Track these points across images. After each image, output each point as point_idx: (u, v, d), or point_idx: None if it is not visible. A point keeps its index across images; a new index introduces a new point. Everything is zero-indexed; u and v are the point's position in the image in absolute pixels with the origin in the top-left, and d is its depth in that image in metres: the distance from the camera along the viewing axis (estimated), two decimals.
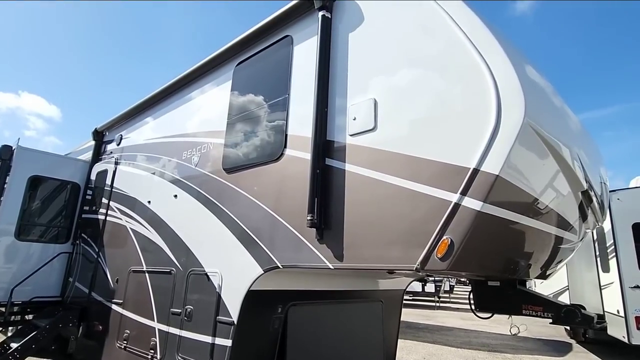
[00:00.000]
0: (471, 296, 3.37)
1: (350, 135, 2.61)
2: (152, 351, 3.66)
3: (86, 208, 5.71)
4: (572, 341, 10.56)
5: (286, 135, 3.07)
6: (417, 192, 2.16)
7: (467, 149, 2.02)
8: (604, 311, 8.31)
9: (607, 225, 7.87)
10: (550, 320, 2.67)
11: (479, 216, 1.93)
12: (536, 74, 2.39)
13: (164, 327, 3.62)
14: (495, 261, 2.16)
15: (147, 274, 4.09)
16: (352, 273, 3.82)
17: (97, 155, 5.89)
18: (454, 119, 2.16)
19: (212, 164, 3.74)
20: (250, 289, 2.95)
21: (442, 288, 21.27)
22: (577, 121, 2.84)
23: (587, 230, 2.84)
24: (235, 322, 2.94)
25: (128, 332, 4.09)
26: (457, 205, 1.98)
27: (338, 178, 2.58)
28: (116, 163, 5.26)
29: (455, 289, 29.24)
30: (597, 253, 8.60)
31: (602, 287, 8.37)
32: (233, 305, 3.02)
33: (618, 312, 7.42)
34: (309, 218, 2.55)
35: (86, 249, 5.35)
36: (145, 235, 4.29)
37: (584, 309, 2.56)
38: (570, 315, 2.56)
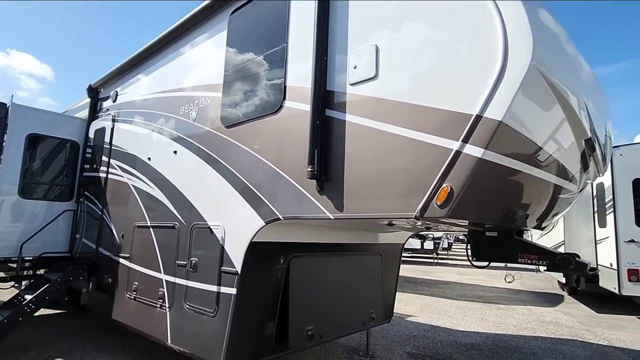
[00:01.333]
0: (469, 246, 3.44)
1: (351, 85, 2.53)
2: (160, 300, 3.82)
3: (87, 166, 5.72)
4: (564, 293, 10.99)
5: (285, 86, 2.99)
6: (418, 141, 2.13)
7: (471, 95, 1.96)
8: (597, 264, 8.56)
9: (607, 181, 7.90)
10: (545, 268, 2.75)
11: (480, 164, 1.92)
12: (550, 18, 2.27)
13: (171, 279, 3.76)
14: (494, 209, 2.17)
15: (151, 229, 4.17)
16: (352, 226, 3.88)
17: (94, 113, 5.80)
18: (458, 64, 2.08)
19: (211, 118, 3.68)
20: (253, 240, 3.01)
21: (441, 245, 21.84)
22: (589, 71, 2.74)
23: (587, 181, 2.83)
24: (239, 272, 3.03)
25: (137, 284, 4.25)
26: (458, 153, 1.96)
27: (338, 129, 2.55)
28: (113, 120, 5.19)
29: (453, 246, 30.03)
30: (595, 209, 8.71)
31: (597, 242, 8.56)
32: (236, 256, 3.10)
33: (611, 265, 7.65)
34: (309, 170, 2.55)
35: (90, 207, 5.43)
36: (147, 191, 4.32)
37: (579, 257, 2.62)
38: (564, 263, 2.63)
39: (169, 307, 3.72)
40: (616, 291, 7.48)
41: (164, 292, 3.81)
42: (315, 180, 2.58)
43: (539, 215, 2.70)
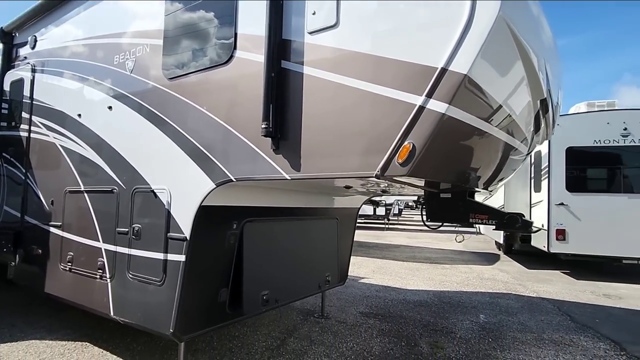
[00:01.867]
0: (423, 207, 3.50)
1: (309, 33, 2.32)
2: (100, 271, 3.52)
3: (3, 124, 4.97)
4: (500, 253, 12.02)
5: (235, 34, 2.69)
6: (380, 96, 2.01)
7: (437, 47, 1.86)
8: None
9: (544, 149, 8.49)
10: (494, 227, 2.85)
11: (443, 120, 1.85)
12: None
13: (111, 247, 3.44)
14: (453, 169, 2.15)
15: (86, 194, 3.75)
16: (309, 188, 3.77)
17: (9, 62, 4.98)
18: (424, 14, 1.94)
19: (150, 69, 3.28)
20: (203, 204, 2.79)
21: (392, 211, 22.79)
22: (550, 35, 2.74)
23: (536, 144, 2.94)
24: (188, 238, 2.82)
25: (72, 254, 3.86)
26: (421, 109, 1.87)
27: (295, 82, 2.34)
28: (33, 70, 4.49)
29: (403, 212, 31.52)
30: (532, 175, 9.40)
31: (532, 205, 9.32)
32: (184, 221, 2.87)
33: (543, 226, 8.39)
34: (263, 126, 2.34)
35: (11, 170, 4.78)
36: (79, 152, 3.85)
37: (524, 216, 2.74)
38: (511, 221, 2.74)
39: (110, 278, 3.43)
40: (545, 249, 8.28)
41: (103, 262, 3.50)
42: (270, 139, 2.39)
43: (491, 175, 2.76)
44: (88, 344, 4.00)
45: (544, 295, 6.58)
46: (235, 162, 2.61)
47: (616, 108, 8.76)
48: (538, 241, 8.84)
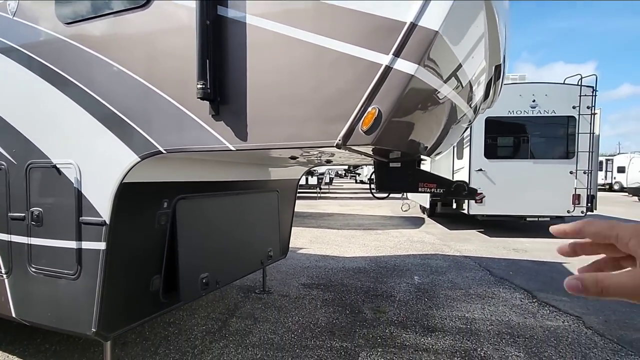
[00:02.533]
0: (372, 177, 3.42)
1: None
2: None
3: None
4: (425, 216, 12.96)
5: None
6: (341, 54, 1.76)
7: None
8: None
9: None
10: (441, 195, 2.87)
11: (411, 82, 1.68)
12: None
13: (4, 236, 2.79)
14: (413, 136, 2.03)
15: None
16: (248, 161, 3.45)
17: None
18: None
19: (40, 11, 2.57)
20: (125, 181, 2.33)
21: (324, 180, 23.15)
22: None
23: (482, 111, 2.98)
24: (108, 222, 2.36)
25: None
26: (388, 69, 1.67)
27: (236, 33, 1.97)
28: None
29: (334, 181, 32.32)
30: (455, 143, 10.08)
31: (454, 171, 10.05)
32: (101, 202, 2.38)
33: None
34: (199, 86, 1.95)
35: None
36: None
37: (468, 184, 2.79)
38: (458, 189, 2.78)
39: (6, 274, 2.80)
40: (465, 212, 9.06)
41: None
42: (208, 102, 2.01)
43: (440, 142, 2.73)
44: None
45: (466, 254, 7.23)
46: (164, 131, 2.18)
47: (526, 81, 9.64)
48: (459, 205, 9.64)
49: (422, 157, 2.89)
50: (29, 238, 2.66)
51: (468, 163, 8.87)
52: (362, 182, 36.99)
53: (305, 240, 8.38)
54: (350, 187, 31.39)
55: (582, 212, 8.60)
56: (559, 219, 9.05)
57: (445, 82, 1.91)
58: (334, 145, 1.76)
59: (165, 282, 2.92)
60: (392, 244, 8.22)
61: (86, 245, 2.44)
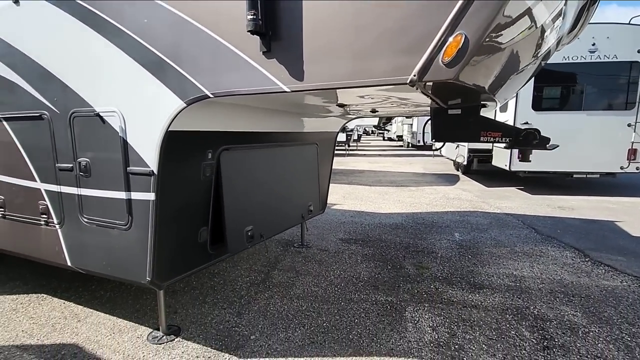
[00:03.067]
0: (425, 126, 3.16)
1: None
2: (44, 216, 2.90)
3: None
4: (459, 173, 12.53)
5: None
6: None
7: None
8: (493, 146, 9.62)
9: None
10: (505, 145, 2.60)
11: (504, 6, 1.38)
12: None
13: (54, 187, 2.80)
14: (497, 70, 1.75)
15: (5, 123, 2.94)
16: (291, 109, 3.26)
17: None
18: None
19: None
20: (170, 129, 2.21)
21: (352, 137, 22.75)
22: None
23: (561, 47, 2.59)
24: (156, 172, 2.28)
25: (2, 197, 3.15)
26: None
27: None
28: None
29: (361, 138, 31.78)
30: None
31: None
32: (148, 152, 2.29)
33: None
34: (249, 17, 1.72)
35: None
36: None
37: (540, 132, 2.49)
38: (528, 138, 2.49)
39: (58, 224, 2.85)
40: (507, 168, 8.60)
41: (47, 206, 2.88)
42: (259, 37, 1.79)
43: (519, 82, 2.42)
44: (45, 295, 3.52)
45: (507, 211, 6.94)
46: (211, 73, 2.00)
47: None
48: (499, 161, 9.16)
49: (486, 102, 2.58)
50: (79, 189, 2.65)
51: (513, 116, 8.26)
52: (390, 139, 36.17)
53: (338, 197, 8.30)
54: (379, 145, 30.83)
55: (637, 168, 7.95)
56: (610, 176, 8.46)
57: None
58: (407, 82, 1.52)
59: (212, 234, 2.90)
60: (428, 200, 8.00)
61: (135, 195, 2.40)
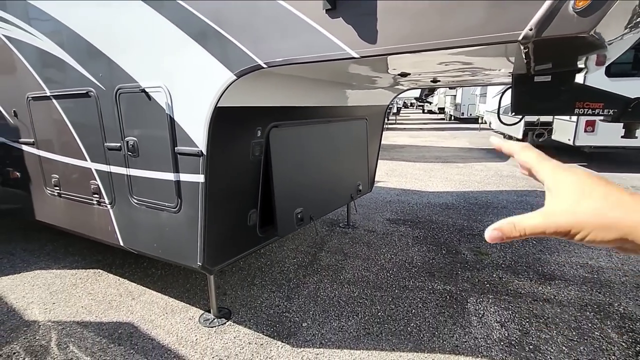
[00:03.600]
0: (502, 98, 2.77)
1: None
2: (96, 196, 2.88)
3: None
4: None
5: None
6: None
7: None
8: (553, 119, 8.75)
9: None
10: (610, 118, 2.17)
11: None
12: None
13: (104, 167, 2.75)
14: (629, 20, 1.36)
15: (54, 101, 2.89)
16: (344, 80, 2.96)
17: None
18: None
19: None
20: (219, 105, 2.01)
21: (391, 111, 21.89)
22: None
23: None
24: (205, 153, 2.11)
25: (57, 176, 3.18)
26: None
27: None
28: None
29: (401, 111, 30.65)
30: None
31: None
32: (196, 130, 2.12)
33: (570, 118, 7.76)
34: None
35: None
36: (31, 43, 2.85)
37: None
38: (638, 109, 2.05)
39: (110, 204, 2.81)
40: (570, 142, 7.80)
41: (98, 185, 2.84)
42: None
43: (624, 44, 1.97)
44: (101, 271, 3.61)
45: None
46: (264, 40, 1.75)
47: None
48: (562, 135, 8.33)
49: (581, 66, 2.15)
50: (127, 169, 2.56)
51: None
52: (430, 111, 34.60)
53: (381, 173, 7.97)
54: (419, 118, 29.60)
55: None
56: None
57: None
58: (519, 38, 1.19)
59: (261, 217, 2.75)
60: (479, 178, 7.47)
61: (184, 177, 2.26)
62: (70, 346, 2.49)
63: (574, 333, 2.52)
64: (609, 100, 2.11)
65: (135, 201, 2.59)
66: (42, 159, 3.26)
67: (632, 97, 2.08)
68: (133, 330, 2.66)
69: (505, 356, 2.32)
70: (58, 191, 3.21)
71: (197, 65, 1.99)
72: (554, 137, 8.75)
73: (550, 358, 2.29)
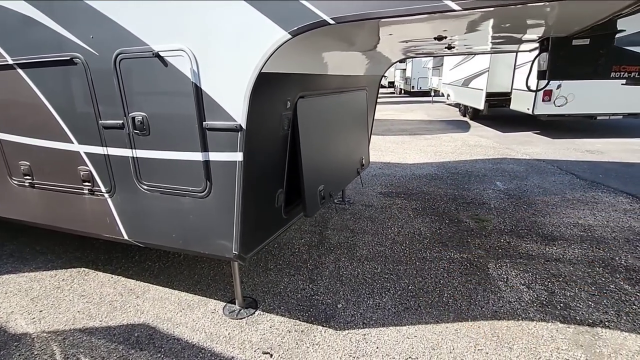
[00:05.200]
0: (533, 65, 2.75)
1: None
2: (87, 184, 2.45)
3: None
4: (467, 119, 12.21)
5: None
6: None
7: None
8: (512, 89, 9.22)
9: None
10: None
11: None
12: None
13: (98, 149, 2.33)
14: None
15: (20, 71, 2.36)
16: (359, 50, 2.76)
17: None
18: None
19: None
20: (263, 71, 1.74)
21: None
22: None
23: None
24: (244, 126, 1.84)
25: (27, 163, 2.66)
26: None
27: None
28: None
29: None
30: None
31: (516, 67, 8.98)
32: (232, 101, 1.83)
33: (529, 87, 8.19)
34: None
35: None
36: None
37: None
38: None
39: (108, 192, 2.41)
40: (529, 112, 8.29)
41: (89, 172, 2.42)
42: None
43: None
44: (86, 269, 3.17)
45: (536, 157, 6.74)
46: None
47: None
48: (520, 104, 8.83)
49: (621, 29, 2.16)
50: (134, 150, 2.19)
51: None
52: (381, 85, 35.05)
53: None
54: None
55: None
56: (632, 117, 8.29)
57: None
58: None
59: (286, 197, 2.53)
60: (449, 148, 7.72)
61: (216, 156, 1.97)
62: (81, 358, 2.15)
63: (593, 288, 2.69)
64: None
65: (146, 187, 2.24)
66: (4, 144, 2.70)
67: None
68: (152, 332, 2.37)
69: (543, 316, 2.41)
70: (30, 181, 2.70)
71: (238, 23, 1.68)
72: (512, 106, 9.25)
73: (583, 313, 2.42)
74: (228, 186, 1.98)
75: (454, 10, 1.34)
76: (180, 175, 2.09)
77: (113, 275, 3.07)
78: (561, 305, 2.51)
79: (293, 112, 2.31)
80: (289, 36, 1.61)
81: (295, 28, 1.59)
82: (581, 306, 2.49)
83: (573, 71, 2.31)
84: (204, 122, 1.92)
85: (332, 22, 1.53)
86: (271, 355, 2.14)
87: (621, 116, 8.15)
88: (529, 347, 2.14)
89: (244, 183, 1.96)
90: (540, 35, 2.39)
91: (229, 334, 2.33)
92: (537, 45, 2.76)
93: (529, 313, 2.44)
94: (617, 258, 3.09)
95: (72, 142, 2.39)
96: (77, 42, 2.11)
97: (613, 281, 2.77)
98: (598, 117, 8.26)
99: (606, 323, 2.32)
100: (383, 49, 3.05)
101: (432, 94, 19.10)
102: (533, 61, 2.71)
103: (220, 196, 2.03)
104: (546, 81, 2.60)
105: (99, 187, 2.42)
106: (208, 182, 2.03)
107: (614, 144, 7.48)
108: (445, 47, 3.04)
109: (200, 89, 1.87)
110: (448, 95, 13.98)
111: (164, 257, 3.32)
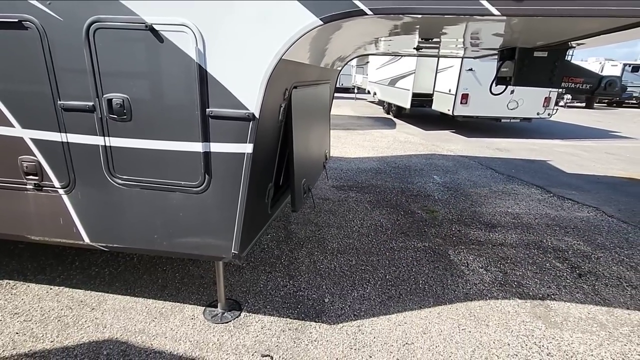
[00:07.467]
0: (499, 70, 3.02)
1: None
2: (34, 177, 2.01)
3: None
4: (391, 116, 13.05)
5: None
6: None
7: None
8: (434, 91, 10.11)
9: None
10: (587, 93, 2.64)
11: None
12: None
13: (51, 135, 1.92)
14: None
15: None
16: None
17: None
18: None
19: None
20: (284, 58, 1.62)
21: None
22: None
23: None
24: (257, 116, 1.69)
25: None
26: None
27: None
28: None
29: None
30: None
31: (437, 71, 9.87)
32: (246, 87, 1.67)
33: (450, 90, 9.11)
34: None
35: None
36: None
37: (621, 80, 2.58)
38: (611, 85, 2.56)
39: (64, 187, 2.01)
40: (450, 112, 9.21)
41: (37, 162, 1.99)
42: None
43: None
44: (12, 281, 2.62)
45: (459, 153, 7.53)
46: None
47: None
48: (441, 105, 9.73)
49: (576, 43, 2.53)
50: (107, 138, 1.86)
51: (460, 61, 8.67)
52: None
53: None
54: None
55: (548, 114, 9.32)
56: (526, 121, 9.77)
57: None
58: None
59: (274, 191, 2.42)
60: (383, 144, 8.17)
61: (218, 147, 1.78)
62: None
63: (534, 267, 3.13)
64: (587, 77, 2.56)
65: (120, 182, 1.92)
66: None
67: (606, 76, 2.58)
68: (124, 347, 2.06)
69: (505, 294, 2.73)
70: None
71: (262, 2, 1.53)
72: (433, 107, 10.16)
73: (533, 289, 2.81)
74: (231, 180, 1.82)
75: (494, 15, 1.42)
76: (170, 167, 1.84)
77: (52, 287, 2.58)
78: (515, 283, 2.88)
79: (288, 102, 2.20)
80: (320, 22, 1.53)
81: (329, 15, 1.51)
82: (530, 283, 2.89)
83: (533, 79, 2.64)
84: (207, 109, 1.72)
85: (370, 12, 1.49)
86: (272, 358, 2.04)
87: (519, 120, 9.55)
88: (501, 323, 2.41)
89: (251, 177, 1.81)
90: (511, 45, 2.66)
91: (218, 340, 2.15)
92: (494, 52, 3.07)
93: (493, 292, 2.74)
94: (544, 240, 3.65)
95: (13, 126, 1.93)
96: (31, 2, 1.70)
97: (547, 260, 3.26)
98: (502, 120, 9.55)
99: (552, 296, 2.73)
100: (357, 43, 3.08)
101: (356, 91, 19.90)
102: (498, 69, 3.01)
103: (221, 191, 1.85)
104: (504, 87, 2.92)
105: (51, 181, 2.00)
106: (207, 176, 1.83)
107: (515, 144, 8.74)
108: (414, 48, 3.20)
109: (206, 71, 1.67)
110: (374, 94, 14.73)
111: (112, 261, 2.91)
